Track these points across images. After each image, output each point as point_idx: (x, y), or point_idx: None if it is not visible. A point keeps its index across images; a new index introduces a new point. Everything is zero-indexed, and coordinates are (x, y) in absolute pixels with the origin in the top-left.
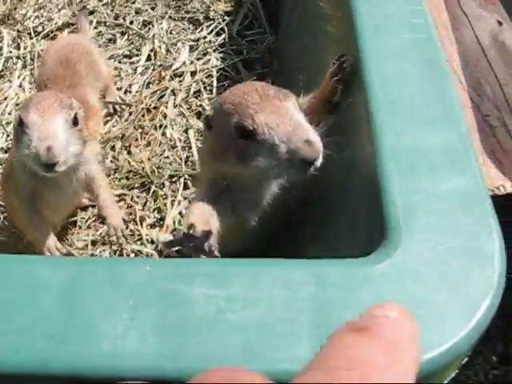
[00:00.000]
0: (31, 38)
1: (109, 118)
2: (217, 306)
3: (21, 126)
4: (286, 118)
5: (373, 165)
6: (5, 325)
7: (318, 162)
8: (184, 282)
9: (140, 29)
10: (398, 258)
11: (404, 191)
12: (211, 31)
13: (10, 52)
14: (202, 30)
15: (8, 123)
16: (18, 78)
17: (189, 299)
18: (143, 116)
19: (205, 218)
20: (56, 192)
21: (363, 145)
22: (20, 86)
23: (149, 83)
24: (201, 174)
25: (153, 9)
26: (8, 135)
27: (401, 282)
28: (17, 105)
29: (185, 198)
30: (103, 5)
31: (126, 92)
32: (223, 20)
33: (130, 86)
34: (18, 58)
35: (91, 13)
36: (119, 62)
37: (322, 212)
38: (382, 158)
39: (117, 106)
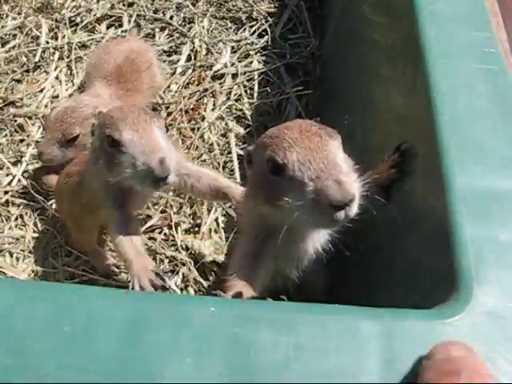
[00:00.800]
0: (68, 29)
1: None
2: (284, 354)
3: (114, 146)
4: (320, 155)
5: (441, 209)
6: (61, 359)
7: (351, 211)
8: (250, 326)
9: (180, 25)
10: (469, 312)
11: (476, 240)
12: (253, 32)
13: (47, 42)
14: (244, 30)
15: (44, 116)
16: (55, 69)
17: (255, 345)
18: (181, 117)
19: (250, 283)
20: (139, 207)
21: (431, 186)
22: (57, 77)
23: (188, 83)
24: (244, 218)
25: (194, 5)
26: (44, 128)
27: (472, 338)
28: (53, 97)
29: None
30: None
31: (164, 91)
32: (266, 21)
33: (169, 85)
34: (55, 48)
35: (130, 5)
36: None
37: (382, 258)
38: (452, 201)
39: (156, 106)
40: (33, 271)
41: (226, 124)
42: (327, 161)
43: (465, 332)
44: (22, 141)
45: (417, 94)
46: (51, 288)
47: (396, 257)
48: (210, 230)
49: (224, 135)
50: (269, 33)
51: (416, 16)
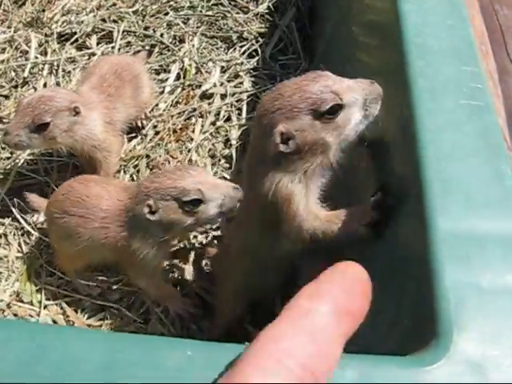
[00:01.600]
0: (58, 43)
1: (133, 135)
2: None
3: (193, 203)
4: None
5: (422, 252)
6: None
7: None
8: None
9: (170, 43)
10: (448, 360)
11: (457, 285)
12: (244, 52)
13: (36, 58)
14: (234, 50)
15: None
16: (44, 85)
17: None
18: (169, 136)
19: None
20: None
21: (412, 227)
22: None
23: (177, 102)
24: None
25: (185, 23)
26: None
27: None
28: None
29: None
30: (134, 12)
31: (152, 109)
32: (257, 41)
33: (157, 104)
34: (44, 63)
35: (120, 19)
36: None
37: None
38: (433, 244)
39: (143, 121)
40: (14, 292)
41: (214, 145)
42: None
43: (444, 381)
44: (8, 158)
45: (402, 128)
46: (26, 327)
47: (374, 299)
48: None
49: (212, 157)
50: (259, 53)
51: (403, 48)
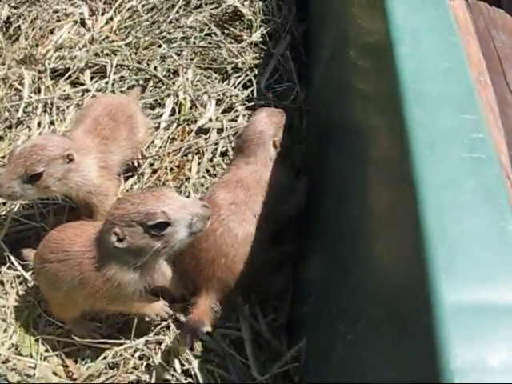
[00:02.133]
0: (52, 79)
1: (130, 174)
2: None
3: (161, 227)
4: None
5: (428, 328)
6: None
7: None
8: None
9: (164, 76)
10: None
11: (464, 365)
12: (239, 83)
13: (30, 97)
14: (229, 81)
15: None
16: (39, 125)
17: None
18: (166, 175)
19: None
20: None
21: (417, 302)
22: (40, 134)
23: (172, 139)
24: None
25: (178, 55)
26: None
27: None
28: None
29: None
30: (126, 45)
31: (148, 147)
32: (251, 71)
33: (153, 141)
34: (38, 102)
35: (113, 53)
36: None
37: None
38: (440, 320)
39: (140, 160)
40: (13, 344)
41: (211, 183)
42: None
43: None
44: (3, 203)
45: (402, 186)
46: None
47: (384, 371)
48: None
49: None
50: (254, 84)
51: (400, 96)
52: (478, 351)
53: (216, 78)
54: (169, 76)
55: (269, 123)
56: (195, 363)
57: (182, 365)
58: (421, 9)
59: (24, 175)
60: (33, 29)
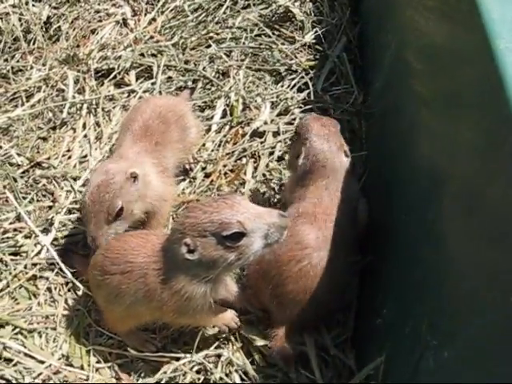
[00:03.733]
0: (96, 79)
1: (181, 178)
2: None
3: (235, 238)
4: None
5: None
6: None
7: None
8: None
9: (214, 77)
10: None
11: None
12: (293, 86)
13: (74, 97)
14: (283, 83)
15: (74, 178)
16: (83, 126)
17: None
18: (220, 179)
19: None
20: None
21: None
22: (85, 136)
23: (225, 142)
24: None
25: (228, 55)
26: (74, 191)
27: None
28: (82, 157)
29: None
30: (173, 45)
31: (199, 150)
32: (307, 73)
33: (204, 144)
34: (82, 103)
35: (159, 53)
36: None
37: None
38: None
39: (191, 164)
40: (63, 355)
41: (271, 188)
42: None
43: None
44: (50, 207)
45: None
46: None
47: None
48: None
49: (268, 200)
50: (310, 86)
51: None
52: None
53: (269, 80)
54: (218, 77)
55: (331, 134)
56: (258, 378)
57: (243, 379)
58: None
59: (108, 217)
60: (74, 29)
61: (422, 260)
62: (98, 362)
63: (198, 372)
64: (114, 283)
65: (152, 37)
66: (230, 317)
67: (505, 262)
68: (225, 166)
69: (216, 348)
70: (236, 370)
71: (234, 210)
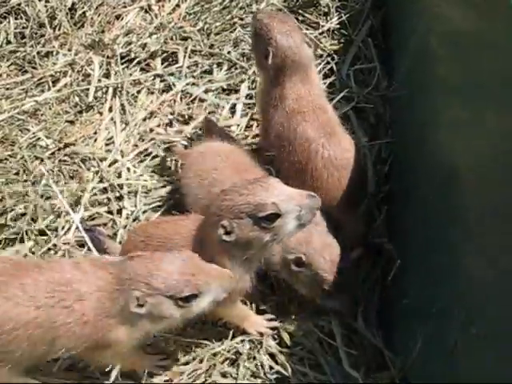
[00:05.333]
0: (122, 64)
1: None
2: None
3: (271, 219)
4: None
5: None
6: None
7: None
8: None
9: (238, 59)
10: None
11: None
12: (319, 71)
13: (99, 81)
14: None
15: (101, 159)
16: (110, 110)
17: None
18: None
19: None
20: None
21: None
22: (111, 119)
23: (251, 126)
24: None
25: None
26: (100, 172)
27: None
28: (108, 139)
29: None
30: (198, 30)
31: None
32: (332, 59)
33: (229, 126)
34: (107, 87)
35: (184, 39)
36: (216, 97)
37: None
38: None
39: None
40: None
41: None
42: None
43: None
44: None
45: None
46: None
47: None
48: None
49: None
50: (335, 71)
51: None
52: None
53: None
54: (243, 61)
55: (292, 28)
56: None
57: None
58: None
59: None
60: (98, 15)
61: (445, 240)
62: None
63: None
64: None
65: (176, 23)
66: (260, 322)
67: None
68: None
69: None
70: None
71: (269, 192)
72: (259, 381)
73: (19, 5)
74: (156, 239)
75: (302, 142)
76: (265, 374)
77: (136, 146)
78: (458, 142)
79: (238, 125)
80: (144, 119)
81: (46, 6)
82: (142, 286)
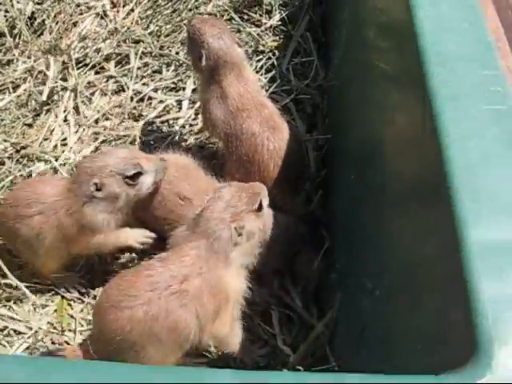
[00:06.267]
0: (77, 69)
1: None
2: None
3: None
4: None
5: (455, 266)
6: None
7: None
8: None
9: (186, 59)
10: (491, 377)
11: (492, 298)
12: (261, 67)
13: (55, 82)
14: (251, 65)
15: (56, 158)
16: (64, 111)
17: None
18: None
19: None
20: None
21: (445, 243)
22: (65, 120)
23: (195, 118)
24: None
25: None
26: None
27: None
28: (62, 140)
29: None
30: (150, 33)
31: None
32: (273, 54)
33: (177, 118)
34: (63, 89)
35: (136, 42)
36: (165, 95)
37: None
38: (467, 258)
39: None
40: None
41: None
42: None
43: None
44: None
45: (426, 139)
46: None
47: (410, 317)
48: None
49: None
50: (275, 65)
51: (421, 56)
52: (507, 285)
53: None
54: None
55: (222, 31)
56: None
57: None
58: None
59: None
60: (57, 23)
61: (362, 215)
62: None
63: None
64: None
65: (129, 27)
66: (135, 235)
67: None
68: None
69: None
70: None
71: (133, 154)
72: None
73: None
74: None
75: (249, 136)
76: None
77: (89, 145)
78: (380, 123)
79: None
80: (96, 121)
81: (5, 16)
82: (99, 172)
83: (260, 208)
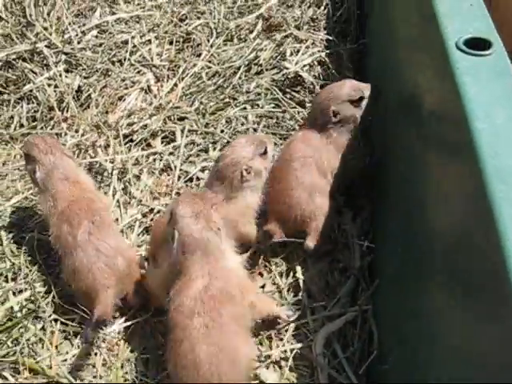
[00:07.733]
0: (125, 144)
1: None
2: None
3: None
4: None
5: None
6: None
7: None
8: None
9: (231, 138)
10: None
11: None
12: None
13: (106, 161)
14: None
15: None
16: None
17: None
18: None
19: None
20: None
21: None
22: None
23: None
24: None
25: (245, 118)
26: None
27: None
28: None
29: None
30: (194, 110)
31: None
32: None
33: None
34: (112, 168)
35: (181, 119)
36: None
37: None
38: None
39: None
40: None
41: None
42: None
43: None
44: None
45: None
46: None
47: None
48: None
49: None
50: None
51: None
52: None
53: (281, 144)
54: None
55: None
56: None
57: None
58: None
59: None
60: (102, 97)
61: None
62: None
63: None
64: None
65: (174, 103)
66: None
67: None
68: None
69: None
70: None
71: (353, 83)
72: None
73: (31, 91)
74: None
75: None
76: None
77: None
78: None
79: None
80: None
81: (55, 91)
82: (333, 102)
83: (265, 152)
